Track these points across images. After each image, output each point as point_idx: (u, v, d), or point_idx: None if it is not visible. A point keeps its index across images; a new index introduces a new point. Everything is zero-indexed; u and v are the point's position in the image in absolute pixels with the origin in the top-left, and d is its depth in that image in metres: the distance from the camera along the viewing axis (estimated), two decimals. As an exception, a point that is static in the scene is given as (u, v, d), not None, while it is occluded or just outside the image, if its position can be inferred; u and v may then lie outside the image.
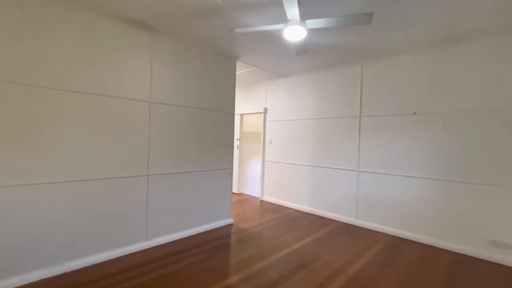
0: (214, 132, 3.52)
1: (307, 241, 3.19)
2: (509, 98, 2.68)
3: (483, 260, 2.76)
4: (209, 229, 3.47)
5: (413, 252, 2.94)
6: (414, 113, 3.31)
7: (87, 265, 2.42)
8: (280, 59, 3.81)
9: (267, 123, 5.12)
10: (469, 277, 2.42)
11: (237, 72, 4.51)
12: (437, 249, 3.02)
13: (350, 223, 3.86)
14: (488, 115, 2.80)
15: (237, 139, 5.63)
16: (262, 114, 5.17)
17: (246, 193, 5.69)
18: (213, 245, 2.99)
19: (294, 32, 2.16)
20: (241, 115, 5.62)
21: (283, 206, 4.72)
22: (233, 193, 5.66)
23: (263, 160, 5.16)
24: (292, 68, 4.26)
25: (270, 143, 5.05)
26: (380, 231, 3.55)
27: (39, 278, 2.17)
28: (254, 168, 5.65)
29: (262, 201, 5.11)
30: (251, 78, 5.07)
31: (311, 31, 2.67)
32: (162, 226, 2.98)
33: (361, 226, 3.75)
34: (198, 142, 3.33)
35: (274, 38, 2.98)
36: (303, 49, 2.62)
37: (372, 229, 3.63)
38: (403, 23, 2.56)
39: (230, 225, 3.68)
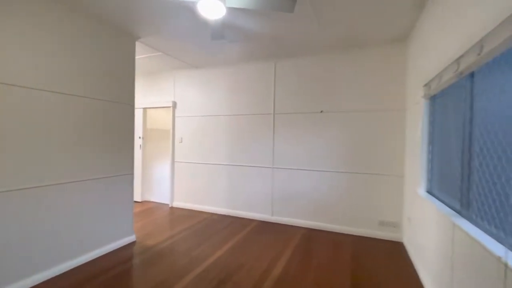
0: (108, 129, 2.73)
1: (226, 247, 2.91)
2: (387, 101, 3.21)
3: (376, 239, 3.22)
4: (102, 254, 2.67)
5: (325, 241, 3.14)
6: (321, 111, 3.56)
7: None
8: (192, 45, 3.36)
9: (176, 119, 4.53)
10: (368, 256, 2.74)
11: (138, 57, 3.74)
12: (343, 235, 3.33)
13: (267, 220, 3.85)
14: (376, 114, 3.27)
15: (140, 137, 4.76)
16: (171, 109, 4.53)
17: (152, 200, 4.91)
18: (106, 277, 2.28)
19: (211, 7, 1.81)
20: (144, 109, 4.78)
21: (197, 211, 4.28)
22: (136, 201, 4.77)
23: (173, 161, 4.55)
24: (205, 58, 3.87)
25: (181, 142, 4.50)
26: (295, 224, 3.67)
27: None
28: (161, 170, 4.93)
29: (172, 207, 4.49)
30: (157, 66, 4.36)
31: (231, 12, 2.38)
32: (20, 266, 2.04)
33: (277, 222, 3.78)
34: (85, 142, 2.49)
35: (185, 16, 2.53)
36: (219, 33, 2.30)
37: (287, 223, 3.72)
38: (315, 24, 2.64)
39: (133, 244, 2.98)
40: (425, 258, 2.23)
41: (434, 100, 2.32)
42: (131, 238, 3.03)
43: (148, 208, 4.47)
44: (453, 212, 1.72)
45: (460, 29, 1.56)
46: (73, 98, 2.39)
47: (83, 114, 2.48)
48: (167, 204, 4.63)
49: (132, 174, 3.02)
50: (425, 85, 2.29)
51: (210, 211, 4.23)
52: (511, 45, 1.09)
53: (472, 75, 1.53)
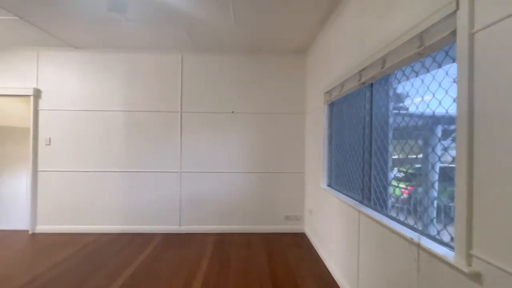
0: None
1: (129, 272, 2.35)
2: (290, 105, 3.52)
3: (283, 233, 3.45)
4: None
5: (239, 244, 3.07)
6: (232, 111, 3.50)
7: None
8: (74, 15, 2.53)
9: (41, 112, 3.34)
10: (280, 251, 2.87)
11: (-32, 16, 2.48)
12: (254, 235, 3.37)
13: (174, 232, 3.42)
14: (280, 117, 3.52)
15: (-29, 138, 3.22)
16: (31, 99, 3.29)
17: (-4, 228, 3.41)
18: None
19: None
20: (-20, 96, 3.27)
21: (78, 234, 3.29)
22: (-37, 234, 3.19)
23: (35, 170, 3.32)
24: (91, 37, 3.03)
25: (49, 144, 3.35)
26: (206, 231, 3.43)
27: None
28: (12, 184, 3.52)
29: (35, 234, 3.27)
30: (8, 37, 3.05)
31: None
32: None
33: (186, 232, 3.42)
34: None
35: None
36: (121, 5, 1.80)
37: (197, 232, 3.42)
38: (231, 20, 2.54)
39: (-40, 303, 1.92)
40: (327, 242, 2.54)
41: (332, 106, 2.69)
42: (-44, 295, 1.94)
43: (-11, 240, 3.07)
44: (356, 202, 2.00)
45: (363, 46, 1.84)
46: None
47: None
48: (26, 231, 3.33)
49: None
50: (326, 92, 2.62)
51: (98, 231, 3.35)
52: (410, 61, 1.33)
53: (371, 85, 1.83)
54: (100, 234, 3.31)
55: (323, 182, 2.74)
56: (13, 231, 3.36)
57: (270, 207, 3.50)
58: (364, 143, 1.91)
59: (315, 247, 2.98)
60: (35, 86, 3.31)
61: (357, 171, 2.04)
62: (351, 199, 2.08)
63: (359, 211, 1.85)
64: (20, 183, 3.54)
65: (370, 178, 1.83)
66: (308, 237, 3.29)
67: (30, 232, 3.29)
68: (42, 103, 3.34)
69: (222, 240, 3.20)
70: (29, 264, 2.54)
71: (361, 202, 1.93)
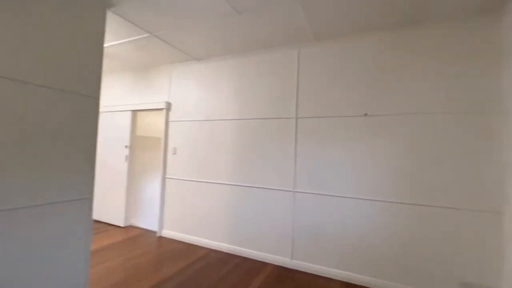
0: (53, 131, 1.80)
1: (225, 320, 1.87)
2: (468, 100, 2.16)
3: (458, 311, 2.09)
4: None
5: (377, 312, 2.04)
6: (365, 114, 2.54)
7: None
8: (195, 24, 2.46)
9: (170, 124, 3.61)
10: None
11: (118, 42, 2.89)
12: (402, 301, 2.22)
13: (285, 265, 2.76)
14: (451, 118, 2.22)
15: (126, 146, 3.86)
16: (164, 112, 3.62)
17: (138, 225, 3.91)
18: None
19: None
20: (134, 111, 3.90)
21: (193, 245, 3.25)
22: (118, 226, 3.81)
23: (164, 177, 3.58)
24: (212, 46, 2.97)
25: (175, 153, 3.54)
26: (325, 275, 2.57)
27: None
28: (151, 188, 3.99)
29: (160, 237, 3.48)
30: (149, 59, 3.49)
31: None
32: None
33: (299, 269, 2.69)
34: (10, 150, 1.56)
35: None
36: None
37: (314, 273, 2.62)
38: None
39: (83, 307, 1.97)
40: None
41: None
42: (83, 296, 2.02)
43: (131, 237, 3.47)
44: None
45: None
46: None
47: (13, 108, 1.55)
48: (155, 232, 3.63)
49: (90, 198, 2.06)
50: None
51: (208, 246, 3.19)
52: None
53: None
54: (210, 249, 3.12)
55: None
56: (146, 230, 3.74)
57: (431, 262, 2.22)
58: None
59: None
60: (167, 99, 3.62)
61: None
62: None
63: None
64: (156, 187, 3.97)
65: None
66: (517, 334, 1.79)
67: (157, 235, 3.53)
68: (172, 115, 3.60)
69: (349, 295, 2.25)
70: (150, 270, 2.55)
71: None
